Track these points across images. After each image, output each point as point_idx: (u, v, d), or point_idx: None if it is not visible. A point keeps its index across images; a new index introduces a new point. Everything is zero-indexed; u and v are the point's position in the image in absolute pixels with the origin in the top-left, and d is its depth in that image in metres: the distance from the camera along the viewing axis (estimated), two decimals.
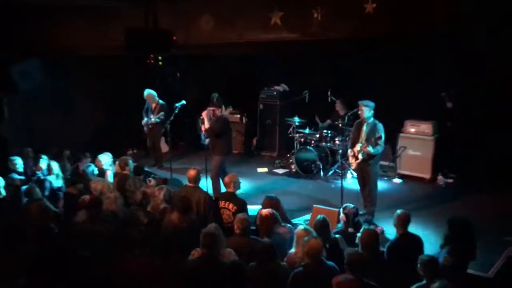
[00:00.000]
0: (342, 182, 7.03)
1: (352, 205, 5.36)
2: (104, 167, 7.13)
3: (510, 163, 7.09)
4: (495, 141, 7.39)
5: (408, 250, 4.61)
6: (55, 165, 7.03)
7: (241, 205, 5.67)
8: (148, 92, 9.17)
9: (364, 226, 4.77)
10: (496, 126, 7.42)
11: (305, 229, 4.52)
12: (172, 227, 4.98)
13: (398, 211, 4.91)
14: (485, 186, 7.48)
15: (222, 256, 4.28)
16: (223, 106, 7.85)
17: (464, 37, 5.68)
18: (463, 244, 4.43)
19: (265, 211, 5.08)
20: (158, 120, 8.98)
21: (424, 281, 3.90)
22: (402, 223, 4.81)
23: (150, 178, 6.69)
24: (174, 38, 6.36)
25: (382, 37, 6.06)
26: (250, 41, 7.05)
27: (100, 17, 8.17)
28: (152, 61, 10.36)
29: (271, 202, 5.43)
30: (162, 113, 8.92)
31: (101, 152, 7.39)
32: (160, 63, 10.52)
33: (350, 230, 5.08)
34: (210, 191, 7.07)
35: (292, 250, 4.54)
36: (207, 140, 7.63)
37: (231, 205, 5.67)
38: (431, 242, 5.29)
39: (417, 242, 4.80)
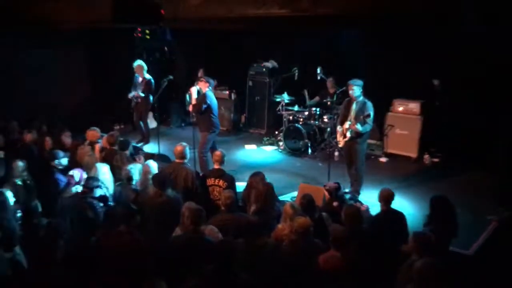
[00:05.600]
0: (329, 160, 7.08)
1: (332, 182, 5.45)
2: (96, 140, 7.04)
3: (496, 143, 7.16)
4: (482, 121, 7.46)
5: (390, 226, 4.69)
6: None
7: (231, 181, 5.71)
8: (138, 63, 9.00)
9: (348, 203, 4.85)
10: (484, 106, 7.47)
11: (292, 206, 4.56)
12: (149, 202, 4.99)
13: (382, 188, 5.00)
14: (471, 165, 7.59)
15: (203, 233, 4.30)
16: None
17: (454, 17, 5.65)
18: (444, 222, 4.51)
19: (263, 185, 5.14)
20: (142, 95, 8.87)
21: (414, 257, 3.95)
22: (384, 199, 4.88)
23: (140, 156, 6.66)
24: (162, 11, 6.25)
25: (373, 14, 6.01)
26: (240, 16, 6.94)
27: None
28: (139, 35, 10.17)
29: (257, 179, 5.45)
30: (142, 89, 8.81)
31: (87, 127, 7.31)
32: (148, 36, 10.34)
33: (335, 204, 5.16)
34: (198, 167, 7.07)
35: (279, 226, 4.59)
36: (194, 117, 7.60)
37: (221, 182, 5.68)
38: (415, 220, 5.38)
39: (399, 218, 4.88)
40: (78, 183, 5.26)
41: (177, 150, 5.85)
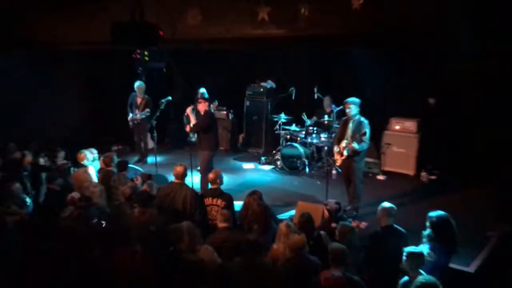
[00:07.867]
0: (327, 179, 7.08)
1: (334, 201, 5.40)
2: (86, 162, 7.02)
3: (493, 160, 7.18)
4: (478, 138, 7.50)
5: (390, 244, 4.64)
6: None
7: (229, 200, 5.70)
8: (139, 83, 9.17)
9: (348, 220, 4.81)
10: (479, 123, 7.52)
11: (287, 225, 4.53)
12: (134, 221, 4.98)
13: (383, 204, 4.94)
14: (468, 182, 7.59)
15: (198, 252, 4.27)
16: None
17: (448, 35, 5.73)
18: (444, 239, 4.48)
19: (259, 206, 5.11)
20: (144, 116, 8.95)
21: (407, 277, 3.93)
22: (383, 214, 4.84)
23: (137, 176, 6.65)
24: (161, 32, 6.31)
25: (369, 34, 6.09)
26: (237, 37, 7.01)
27: (85, 10, 8.06)
28: (138, 56, 10.27)
29: (254, 197, 5.43)
30: (147, 110, 8.90)
31: (85, 147, 7.31)
32: (146, 58, 10.44)
33: (334, 225, 5.12)
34: (196, 186, 7.05)
35: (274, 246, 4.55)
36: (194, 137, 7.62)
37: (219, 201, 5.66)
38: (413, 238, 5.33)
39: (400, 237, 4.82)
40: (73, 203, 5.25)
41: (176, 170, 5.84)
